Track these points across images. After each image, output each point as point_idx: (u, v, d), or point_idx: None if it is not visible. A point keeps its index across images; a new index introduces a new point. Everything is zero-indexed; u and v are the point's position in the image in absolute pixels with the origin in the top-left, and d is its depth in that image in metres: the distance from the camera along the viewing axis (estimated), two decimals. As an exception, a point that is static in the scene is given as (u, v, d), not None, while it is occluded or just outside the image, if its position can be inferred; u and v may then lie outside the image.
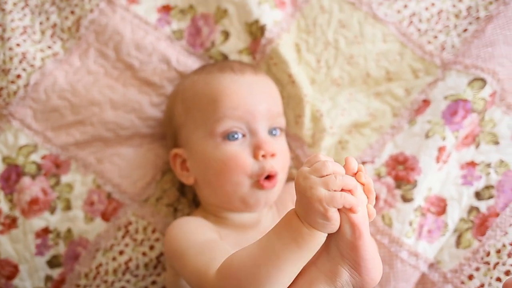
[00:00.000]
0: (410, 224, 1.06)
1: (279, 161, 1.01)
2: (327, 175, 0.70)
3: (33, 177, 1.16)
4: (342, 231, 0.72)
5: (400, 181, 1.09)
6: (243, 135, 1.00)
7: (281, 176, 1.03)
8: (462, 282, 1.03)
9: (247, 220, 1.05)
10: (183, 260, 0.88)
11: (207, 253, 0.85)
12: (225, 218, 1.05)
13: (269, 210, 1.08)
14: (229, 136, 1.00)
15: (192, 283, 0.87)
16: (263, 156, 0.99)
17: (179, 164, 1.07)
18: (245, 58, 1.21)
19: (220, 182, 1.00)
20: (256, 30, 1.20)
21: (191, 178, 1.06)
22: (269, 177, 1.00)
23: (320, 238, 0.73)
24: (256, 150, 0.99)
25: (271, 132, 1.03)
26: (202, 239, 0.91)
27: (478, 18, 1.19)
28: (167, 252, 0.98)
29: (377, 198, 1.10)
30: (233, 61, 1.15)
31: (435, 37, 1.20)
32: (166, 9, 1.25)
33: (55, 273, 1.14)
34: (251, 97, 1.01)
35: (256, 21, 1.20)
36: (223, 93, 1.01)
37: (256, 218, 1.06)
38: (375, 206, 1.10)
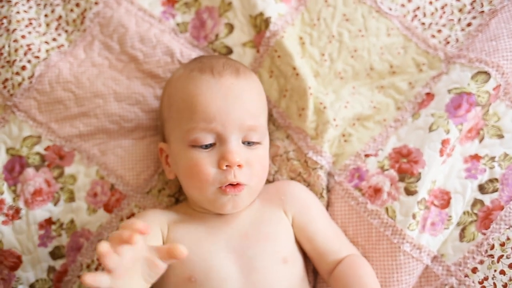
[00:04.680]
0: (414, 217, 1.06)
1: (248, 171, 0.99)
2: None
3: (37, 168, 1.17)
4: None
5: (403, 174, 1.09)
6: (212, 144, 0.99)
7: (252, 184, 1.01)
8: (466, 275, 1.02)
9: (223, 217, 1.04)
10: None
11: None
12: (202, 212, 1.06)
13: (251, 205, 1.06)
14: (197, 144, 0.99)
15: None
16: (228, 166, 0.97)
17: (164, 157, 1.09)
18: (249, 51, 1.21)
19: (188, 184, 1.03)
20: (260, 23, 1.20)
21: (172, 173, 1.08)
22: (234, 184, 0.98)
23: None
24: (220, 160, 0.98)
25: (246, 142, 1.02)
26: None
27: (482, 12, 1.19)
28: None
29: (380, 190, 1.10)
30: (218, 58, 1.10)
31: (439, 31, 1.20)
32: (170, 2, 1.26)
33: (58, 264, 1.14)
34: (225, 106, 0.99)
35: (261, 14, 1.20)
36: (198, 102, 0.99)
37: (232, 216, 1.04)
38: (378, 198, 1.10)
